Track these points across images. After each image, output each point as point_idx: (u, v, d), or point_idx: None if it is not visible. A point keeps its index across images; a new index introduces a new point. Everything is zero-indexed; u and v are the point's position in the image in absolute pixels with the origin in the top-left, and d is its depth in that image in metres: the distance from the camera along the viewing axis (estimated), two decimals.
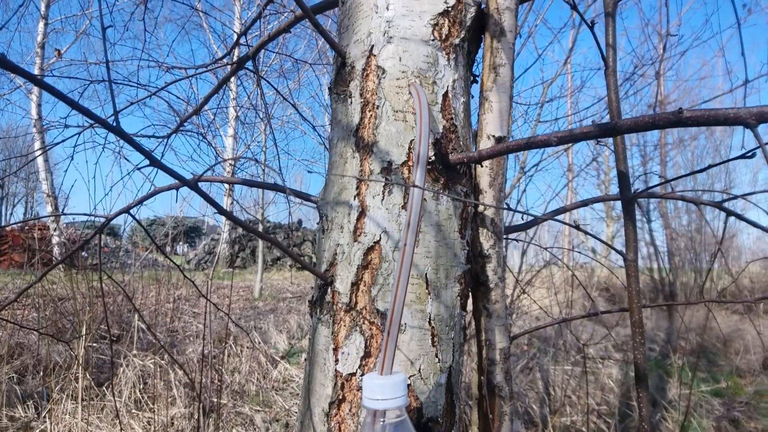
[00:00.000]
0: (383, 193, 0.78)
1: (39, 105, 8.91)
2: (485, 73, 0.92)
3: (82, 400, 2.32)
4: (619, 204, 0.91)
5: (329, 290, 0.81)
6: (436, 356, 0.77)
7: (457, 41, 0.85)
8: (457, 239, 0.81)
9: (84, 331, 2.80)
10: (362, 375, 0.74)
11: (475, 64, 0.98)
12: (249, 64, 1.44)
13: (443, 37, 0.83)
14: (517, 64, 0.97)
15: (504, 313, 0.91)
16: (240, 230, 13.79)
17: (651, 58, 3.76)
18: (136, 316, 3.27)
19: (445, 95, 0.83)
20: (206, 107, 1.72)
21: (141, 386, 2.67)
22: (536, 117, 3.35)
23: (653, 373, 3.58)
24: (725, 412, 2.95)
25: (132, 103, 1.75)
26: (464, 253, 0.83)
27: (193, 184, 0.71)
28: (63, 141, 1.66)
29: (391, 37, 0.81)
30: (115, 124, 0.62)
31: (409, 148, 0.78)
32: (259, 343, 3.79)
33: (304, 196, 0.99)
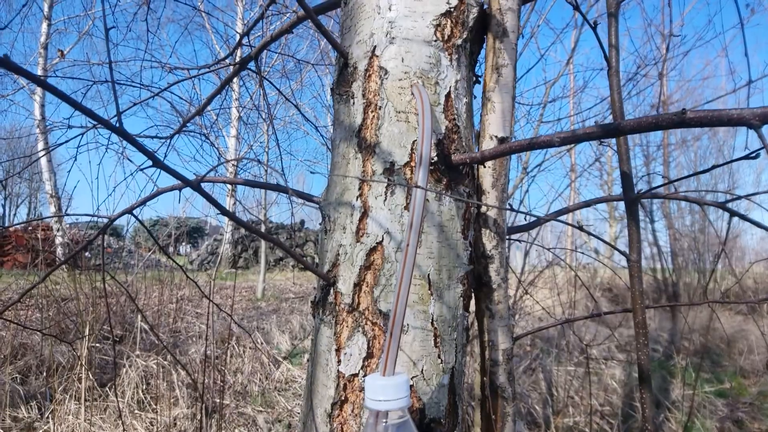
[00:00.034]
0: (386, 194, 0.77)
1: (42, 105, 8.95)
2: (488, 73, 0.92)
3: (85, 400, 2.32)
4: (622, 204, 0.91)
5: (332, 291, 0.81)
6: (439, 357, 0.77)
7: (459, 42, 0.84)
8: (459, 240, 0.81)
9: (87, 332, 2.81)
10: (365, 376, 0.74)
11: (478, 64, 0.97)
12: (251, 65, 1.44)
13: (446, 37, 0.83)
14: (519, 65, 0.97)
15: (507, 314, 0.91)
16: (243, 231, 13.81)
17: (654, 58, 3.75)
18: (139, 316, 3.28)
19: (448, 96, 0.83)
20: (209, 108, 1.72)
21: (144, 387, 2.68)
22: (539, 117, 3.34)
23: (656, 373, 3.57)
24: (729, 413, 2.94)
25: (135, 104, 1.76)
26: (467, 254, 0.83)
27: (196, 185, 0.71)
28: (66, 142, 1.67)
29: (393, 38, 0.81)
30: (118, 125, 0.62)
31: (412, 149, 0.78)
32: (262, 343, 3.79)
33: (307, 197, 0.99)
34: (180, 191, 0.98)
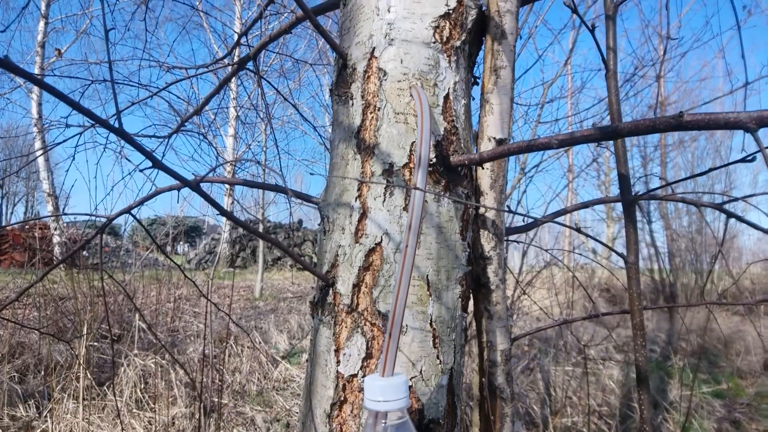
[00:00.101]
0: (384, 195, 0.78)
1: (39, 104, 8.93)
2: (486, 75, 0.92)
3: (83, 399, 2.32)
4: (619, 205, 0.91)
5: (331, 291, 0.81)
6: (438, 358, 0.77)
7: (458, 43, 0.85)
8: (458, 241, 0.82)
9: (85, 331, 2.80)
10: (364, 376, 0.74)
11: (476, 65, 0.98)
12: (250, 65, 1.44)
13: (444, 39, 0.83)
14: (517, 65, 0.97)
15: (505, 314, 0.91)
16: (240, 230, 13.80)
17: (651, 60, 3.76)
18: (137, 315, 3.28)
19: (446, 97, 0.83)
20: (207, 107, 1.72)
21: (142, 386, 2.68)
22: (536, 118, 3.35)
23: (654, 374, 3.58)
24: (726, 414, 2.96)
25: (133, 103, 1.76)
26: (465, 255, 0.83)
27: (195, 186, 0.72)
28: (64, 141, 1.66)
29: (392, 40, 0.81)
30: (117, 125, 0.63)
31: (411, 150, 0.78)
32: (260, 343, 3.79)
33: (306, 197, 0.99)
34: (178, 191, 0.98)
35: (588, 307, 5.93)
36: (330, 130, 0.99)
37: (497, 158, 0.79)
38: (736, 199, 0.96)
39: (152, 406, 2.52)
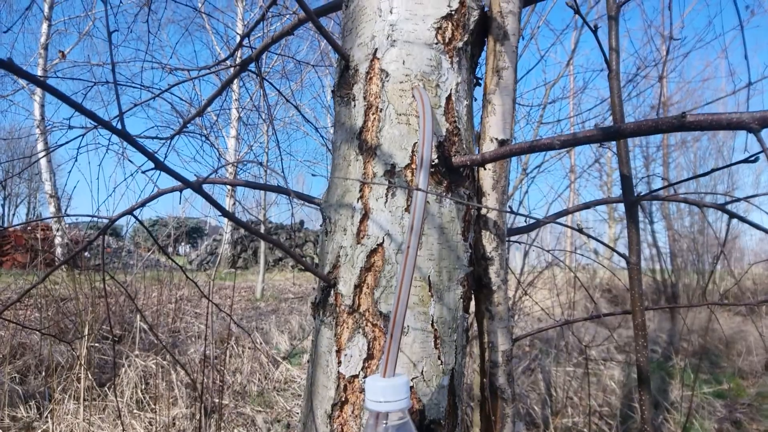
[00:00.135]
0: (386, 196, 0.78)
1: (42, 106, 8.94)
2: (488, 76, 0.92)
3: (84, 400, 2.32)
4: (621, 205, 0.91)
5: (332, 292, 0.81)
6: (439, 358, 0.77)
7: (460, 45, 0.85)
8: (459, 242, 0.82)
9: (86, 332, 2.81)
10: (365, 377, 0.74)
11: (478, 66, 0.98)
12: (252, 66, 1.45)
13: (446, 40, 0.83)
14: (519, 66, 0.97)
15: (506, 315, 0.91)
16: (242, 231, 13.81)
17: (654, 60, 3.75)
18: (138, 316, 3.28)
19: (449, 98, 0.83)
20: (209, 109, 1.72)
21: (143, 386, 2.68)
22: (539, 118, 3.35)
23: (655, 374, 3.58)
24: (727, 414, 2.95)
25: (136, 105, 1.76)
26: (467, 256, 0.83)
27: (198, 187, 0.72)
28: (67, 143, 1.67)
29: (394, 41, 0.81)
30: (119, 126, 0.63)
31: (413, 151, 0.78)
32: (261, 343, 3.79)
33: (307, 199, 0.99)
34: (180, 192, 0.98)
35: (589, 308, 5.93)
36: (332, 132, 0.99)
37: (499, 159, 0.79)
38: (738, 200, 0.96)
39: (153, 406, 2.52)
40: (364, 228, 0.78)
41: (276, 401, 2.88)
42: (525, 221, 1.10)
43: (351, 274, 0.78)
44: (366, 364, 0.75)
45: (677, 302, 5.56)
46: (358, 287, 0.77)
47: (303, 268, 0.81)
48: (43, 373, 2.72)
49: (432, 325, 0.77)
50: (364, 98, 0.82)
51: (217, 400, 2.51)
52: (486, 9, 0.92)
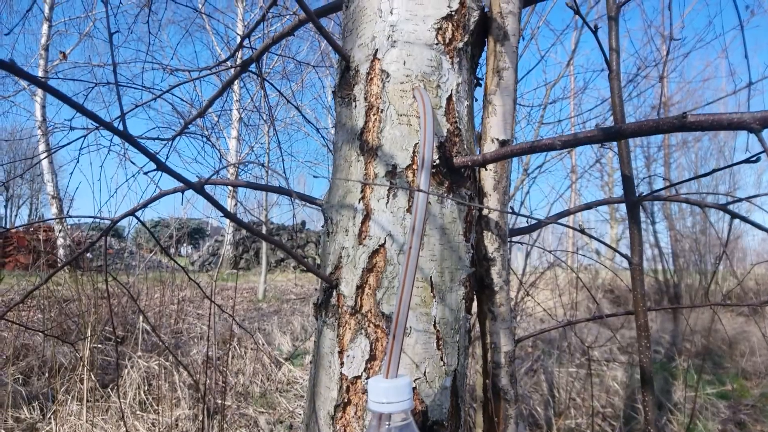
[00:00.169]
0: (388, 197, 0.78)
1: (43, 107, 8.96)
2: (489, 76, 0.93)
3: (87, 401, 2.33)
4: (623, 205, 0.91)
5: (334, 293, 0.81)
6: (441, 359, 0.77)
7: (460, 45, 0.85)
8: (461, 242, 0.82)
9: (89, 333, 2.81)
10: (367, 378, 0.74)
11: (479, 67, 0.98)
12: (252, 67, 1.45)
13: (447, 41, 0.83)
14: (520, 66, 0.97)
15: (509, 316, 0.91)
16: (244, 232, 13.82)
17: (654, 60, 3.75)
18: (141, 317, 3.29)
19: (449, 99, 0.83)
20: (210, 109, 1.72)
21: (146, 388, 2.68)
22: (539, 119, 3.34)
23: (658, 375, 3.57)
24: (731, 415, 2.94)
25: (137, 106, 1.76)
26: (469, 257, 0.83)
27: (199, 188, 0.72)
28: (68, 144, 1.67)
29: (395, 42, 0.81)
30: (121, 127, 0.63)
31: (414, 152, 0.78)
32: (263, 344, 3.80)
33: (309, 199, 0.99)
34: (182, 193, 0.98)
35: (592, 309, 5.92)
36: (333, 132, 0.99)
37: (500, 159, 0.79)
38: (740, 200, 0.96)
39: (156, 407, 2.52)
40: (366, 229, 0.78)
41: (278, 402, 2.88)
42: (527, 222, 1.10)
43: (353, 275, 0.78)
44: (368, 365, 0.75)
45: (680, 303, 5.55)
46: (360, 288, 0.77)
47: (305, 269, 0.81)
48: (47, 375, 2.73)
49: (434, 326, 0.76)
50: (365, 99, 0.82)
51: (219, 401, 2.52)
52: (486, 9, 0.92)
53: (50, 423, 2.25)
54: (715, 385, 3.48)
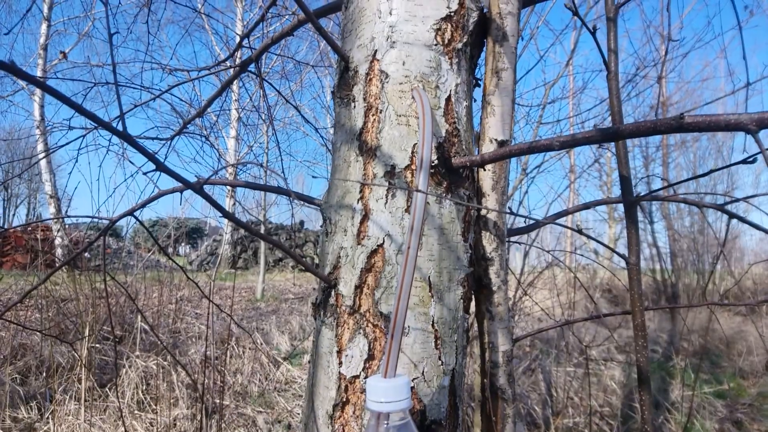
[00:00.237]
0: (386, 197, 0.78)
1: (42, 106, 8.94)
2: (487, 77, 0.93)
3: (85, 401, 2.32)
4: (621, 205, 0.91)
5: (333, 293, 0.81)
6: (440, 359, 0.77)
7: (459, 46, 0.85)
8: (460, 242, 0.82)
9: (87, 332, 2.81)
10: (366, 377, 0.74)
11: (478, 67, 0.98)
12: (252, 67, 1.45)
13: (446, 41, 0.84)
14: (518, 66, 0.98)
15: (507, 315, 0.91)
16: (242, 231, 13.81)
17: (653, 60, 3.76)
18: (139, 317, 3.28)
19: (448, 99, 0.83)
20: (209, 109, 1.72)
21: (144, 387, 2.68)
22: (538, 119, 3.35)
23: (656, 374, 3.58)
24: (728, 414, 2.95)
25: (136, 106, 1.76)
26: (467, 256, 0.83)
27: (198, 188, 0.72)
28: (67, 143, 1.67)
29: (394, 42, 0.82)
30: (120, 127, 0.63)
31: (412, 152, 0.79)
32: (262, 344, 3.80)
33: (308, 199, 0.99)
34: (181, 193, 0.98)
35: (590, 308, 5.93)
36: (332, 132, 0.99)
37: (499, 160, 0.79)
38: (737, 200, 0.96)
39: (154, 407, 2.52)
40: (365, 229, 0.79)
41: (277, 402, 2.88)
42: (525, 222, 1.10)
43: (351, 274, 0.78)
44: (367, 365, 0.75)
45: (677, 302, 5.56)
46: (358, 288, 0.78)
47: (303, 268, 0.81)
48: (44, 374, 2.73)
49: (432, 325, 0.77)
50: (364, 99, 0.83)
51: (218, 401, 2.52)
52: (485, 10, 0.92)
53: (48, 423, 2.25)
54: (713, 384, 3.49)
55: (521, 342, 3.96)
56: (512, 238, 1.20)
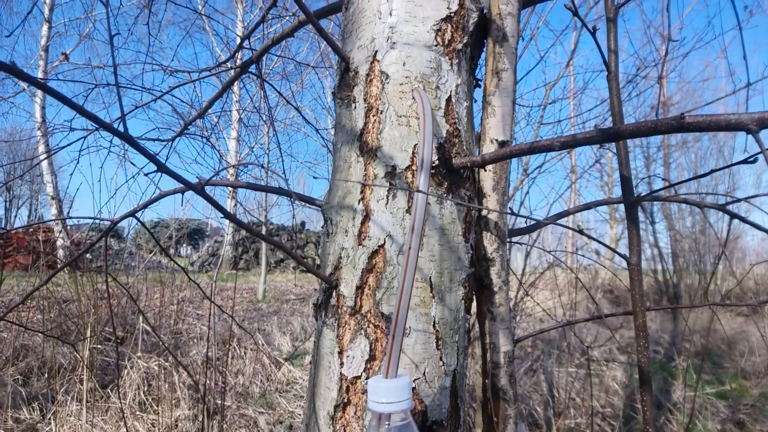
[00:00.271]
0: (387, 198, 0.78)
1: (43, 108, 8.95)
2: (488, 77, 0.93)
3: (87, 401, 2.33)
4: (623, 206, 0.91)
5: (334, 294, 0.81)
6: (441, 359, 0.77)
7: (459, 46, 0.85)
8: (461, 243, 0.82)
9: (89, 333, 2.81)
10: (367, 378, 0.74)
11: (478, 68, 0.98)
12: (252, 68, 1.45)
13: (446, 42, 0.84)
14: (519, 66, 0.98)
15: (508, 316, 0.91)
16: (243, 232, 13.82)
17: (654, 60, 3.75)
18: (141, 318, 3.29)
19: (449, 100, 0.83)
20: (210, 110, 1.73)
21: (145, 388, 2.68)
22: (539, 119, 3.35)
23: (658, 375, 3.57)
24: (730, 415, 2.94)
25: (137, 107, 1.76)
26: (468, 257, 0.83)
27: (200, 189, 0.72)
28: (68, 145, 1.67)
29: (394, 43, 0.82)
30: (122, 129, 0.63)
31: (413, 153, 0.79)
32: (263, 345, 3.80)
33: (309, 200, 0.99)
34: (182, 194, 0.98)
35: (591, 309, 5.92)
36: (332, 133, 0.99)
37: (499, 160, 0.79)
38: (739, 200, 0.96)
39: (155, 408, 2.52)
40: (366, 229, 0.79)
41: (278, 402, 2.88)
42: (526, 222, 1.10)
43: (353, 275, 0.78)
44: (368, 366, 0.75)
45: (679, 303, 5.55)
46: (359, 288, 0.78)
47: (304, 269, 0.81)
48: (46, 375, 2.73)
49: (434, 326, 0.77)
50: (365, 100, 0.83)
51: (219, 402, 2.52)
52: (485, 11, 0.92)
53: (50, 423, 2.25)
54: (714, 385, 3.48)
55: (523, 342, 3.96)
56: (513, 239, 1.20)
